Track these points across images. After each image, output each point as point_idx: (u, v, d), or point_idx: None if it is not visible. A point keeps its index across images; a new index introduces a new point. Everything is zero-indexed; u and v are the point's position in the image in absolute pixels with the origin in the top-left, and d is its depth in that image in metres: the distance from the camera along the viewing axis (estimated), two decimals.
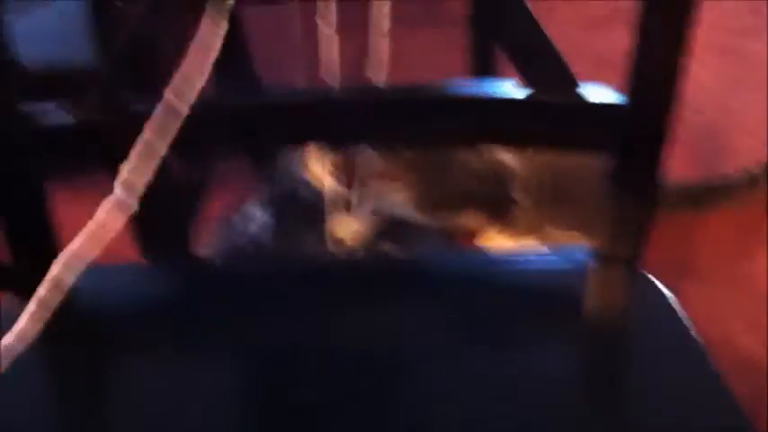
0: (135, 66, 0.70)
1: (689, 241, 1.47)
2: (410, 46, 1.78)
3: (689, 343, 0.69)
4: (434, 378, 0.67)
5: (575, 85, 0.68)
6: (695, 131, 1.64)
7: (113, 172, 0.78)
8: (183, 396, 0.67)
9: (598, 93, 0.68)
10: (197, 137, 0.74)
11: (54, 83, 0.95)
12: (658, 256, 1.42)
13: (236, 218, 1.47)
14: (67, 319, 0.75)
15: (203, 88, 0.63)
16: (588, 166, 1.35)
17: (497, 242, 1.44)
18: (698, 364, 0.68)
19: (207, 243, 1.45)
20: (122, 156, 0.74)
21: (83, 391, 0.70)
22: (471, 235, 1.48)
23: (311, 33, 0.92)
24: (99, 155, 0.73)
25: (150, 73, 0.73)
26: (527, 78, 0.69)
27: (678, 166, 1.56)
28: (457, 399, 0.66)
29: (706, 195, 1.48)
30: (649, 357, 0.69)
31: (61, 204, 0.75)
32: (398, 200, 1.42)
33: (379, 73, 0.87)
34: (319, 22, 0.91)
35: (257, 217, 1.46)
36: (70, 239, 0.75)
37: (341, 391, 0.66)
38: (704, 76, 1.75)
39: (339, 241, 1.35)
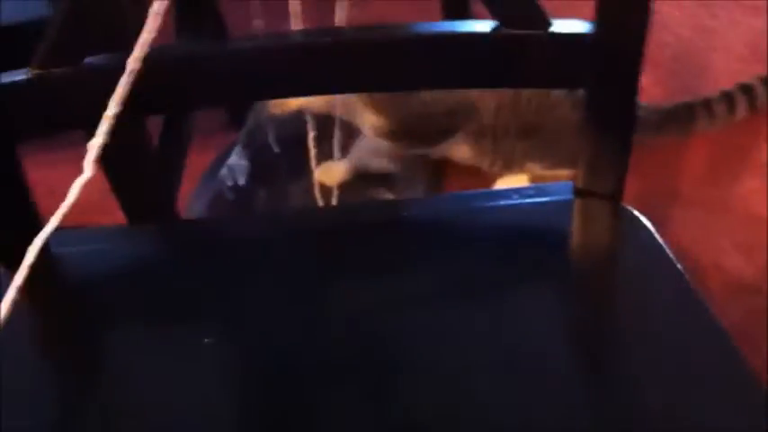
0: (88, 18, 0.68)
1: (673, 167, 1.46)
2: None
3: (672, 273, 0.68)
4: (428, 323, 0.67)
5: (543, 18, 0.66)
6: (673, 53, 1.62)
7: (75, 128, 0.77)
8: (174, 359, 0.66)
9: (566, 24, 0.66)
10: (165, 89, 0.73)
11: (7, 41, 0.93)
12: (643, 184, 1.42)
13: (221, 171, 1.46)
14: (54, 282, 0.74)
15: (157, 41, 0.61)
16: (564, 99, 1.34)
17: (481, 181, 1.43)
18: (682, 294, 0.67)
19: (194, 198, 1.44)
20: (82, 112, 0.73)
21: (71, 357, 0.69)
22: (454, 173, 1.47)
23: None
24: (58, 112, 0.71)
25: (104, 24, 0.71)
26: (495, 14, 0.67)
27: (657, 90, 1.55)
28: (444, 344, 0.65)
29: (686, 119, 1.46)
30: (634, 289, 0.69)
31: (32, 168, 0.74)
32: (373, 132, 1.40)
33: (344, 15, 0.85)
34: None
35: (241, 169, 1.45)
36: (47, 203, 0.74)
37: (334, 343, 0.66)
38: None
39: (325, 189, 1.33)
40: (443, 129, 1.40)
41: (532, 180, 1.43)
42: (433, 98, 1.36)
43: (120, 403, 0.63)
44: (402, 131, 1.39)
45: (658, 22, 1.69)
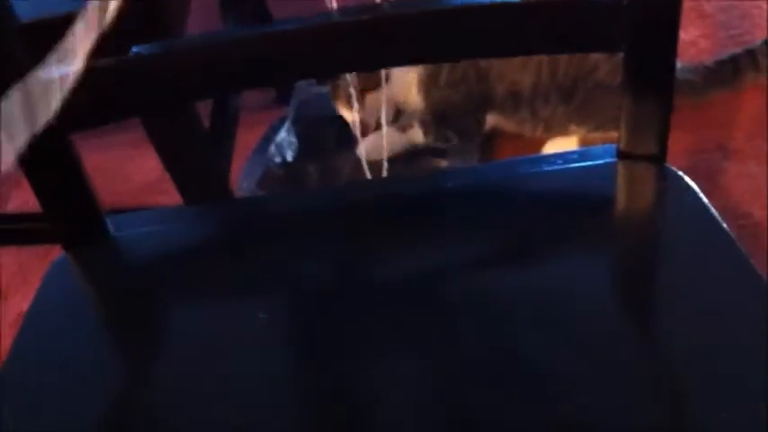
0: (131, 8, 0.70)
1: (723, 122, 1.45)
2: None
3: (716, 233, 0.68)
4: (478, 287, 0.68)
5: None
6: (718, 4, 1.60)
7: (125, 116, 0.79)
8: (231, 334, 0.68)
9: None
10: (212, 74, 0.75)
11: (52, 33, 0.95)
12: (693, 140, 1.41)
13: (270, 147, 1.48)
14: (115, 264, 0.77)
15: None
16: (602, 62, 1.34)
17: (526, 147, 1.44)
18: (726, 254, 0.67)
19: (245, 176, 1.47)
20: (131, 100, 0.75)
21: (132, 334, 0.71)
22: (505, 140, 1.48)
23: None
24: (107, 101, 0.73)
25: (150, 10, 0.73)
26: None
27: (706, 42, 1.53)
28: (494, 306, 0.66)
29: (732, 74, 1.44)
30: (677, 251, 0.69)
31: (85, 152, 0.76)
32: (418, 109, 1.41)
33: None
34: None
35: (290, 145, 1.47)
36: (101, 184, 0.77)
37: (389, 312, 0.67)
38: None
39: (374, 163, 1.35)
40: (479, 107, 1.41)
41: (582, 142, 1.43)
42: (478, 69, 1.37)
43: (180, 377, 0.65)
44: (436, 112, 1.40)
45: None
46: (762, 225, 1.28)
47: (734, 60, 1.44)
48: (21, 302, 1.40)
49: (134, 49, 0.70)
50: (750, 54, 1.44)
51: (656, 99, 0.70)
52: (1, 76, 0.68)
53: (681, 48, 1.56)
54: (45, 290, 0.74)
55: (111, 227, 0.77)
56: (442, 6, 0.72)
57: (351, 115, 1.38)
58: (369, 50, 0.74)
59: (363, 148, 1.38)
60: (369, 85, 1.35)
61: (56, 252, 0.76)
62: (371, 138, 1.40)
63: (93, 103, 0.72)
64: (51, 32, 0.94)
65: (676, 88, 0.70)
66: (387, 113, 1.36)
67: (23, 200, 1.54)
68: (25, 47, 0.68)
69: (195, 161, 1.13)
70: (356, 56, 0.75)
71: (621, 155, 0.74)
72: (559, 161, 0.78)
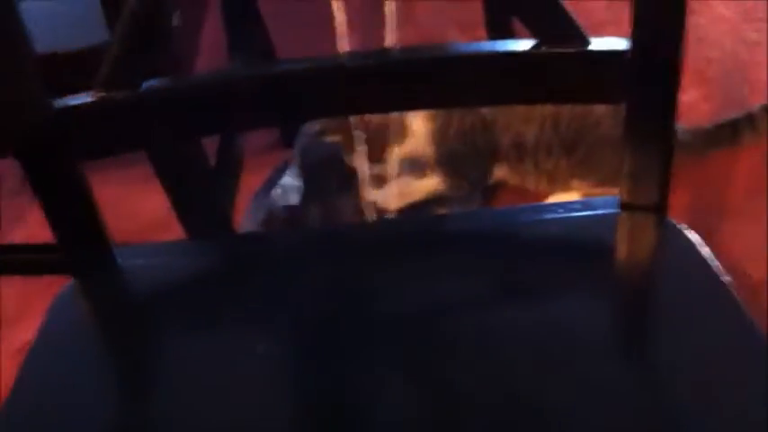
0: (145, 41, 0.71)
1: (722, 180, 1.46)
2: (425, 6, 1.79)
3: (716, 286, 0.69)
4: (476, 330, 0.69)
5: (581, 35, 0.68)
6: (719, 68, 1.62)
7: (135, 149, 0.81)
8: (230, 367, 0.68)
9: (603, 41, 0.68)
10: (219, 111, 0.76)
11: (67, 66, 0.98)
12: (693, 197, 1.42)
13: (274, 190, 1.49)
14: (119, 293, 0.78)
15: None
16: (606, 116, 1.36)
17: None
18: (725, 307, 0.68)
19: (247, 217, 1.48)
20: (142, 133, 0.76)
21: (133, 363, 0.72)
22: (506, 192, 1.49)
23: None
24: (119, 133, 0.74)
25: (160, 47, 0.74)
26: (533, 32, 0.69)
27: (706, 105, 1.55)
28: (492, 349, 0.67)
29: (730, 138, 1.46)
30: (676, 302, 0.70)
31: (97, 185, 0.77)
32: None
33: (390, 35, 0.88)
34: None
35: (293, 188, 1.48)
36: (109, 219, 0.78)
37: (386, 350, 0.68)
38: (720, 9, 1.72)
39: (380, 209, 1.36)
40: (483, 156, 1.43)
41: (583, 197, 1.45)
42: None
43: (182, 409, 0.66)
44: (447, 162, 1.43)
45: (703, 39, 1.70)
46: (761, 285, 1.29)
47: (733, 124, 1.46)
48: (24, 333, 1.40)
49: (145, 84, 0.71)
50: (749, 118, 1.46)
51: (658, 150, 0.71)
52: (17, 106, 0.71)
53: (681, 109, 1.58)
54: (51, 319, 0.75)
55: (118, 257, 0.78)
56: (446, 53, 0.74)
57: (367, 168, 1.39)
58: (373, 94, 0.75)
59: (382, 197, 1.40)
60: (395, 140, 1.38)
61: (59, 283, 0.77)
62: (392, 187, 1.43)
63: (104, 134, 0.74)
64: (67, 65, 0.96)
65: (675, 149, 0.72)
66: (406, 165, 1.39)
67: (27, 234, 1.55)
68: (41, 78, 0.70)
69: (200, 197, 1.14)
70: (360, 98, 0.76)
71: (623, 206, 0.75)
72: (561, 210, 0.79)
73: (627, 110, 0.69)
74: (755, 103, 1.49)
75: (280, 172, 1.53)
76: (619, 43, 0.68)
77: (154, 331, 0.74)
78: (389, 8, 0.95)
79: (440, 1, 1.82)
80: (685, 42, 0.65)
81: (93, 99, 0.70)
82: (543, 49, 0.69)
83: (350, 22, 0.95)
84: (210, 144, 1.29)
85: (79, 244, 0.77)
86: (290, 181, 1.49)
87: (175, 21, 0.92)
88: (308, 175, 1.49)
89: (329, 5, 0.93)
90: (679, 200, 1.40)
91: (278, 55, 1.58)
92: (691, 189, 1.44)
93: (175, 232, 1.17)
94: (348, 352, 0.67)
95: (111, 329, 0.76)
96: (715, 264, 0.70)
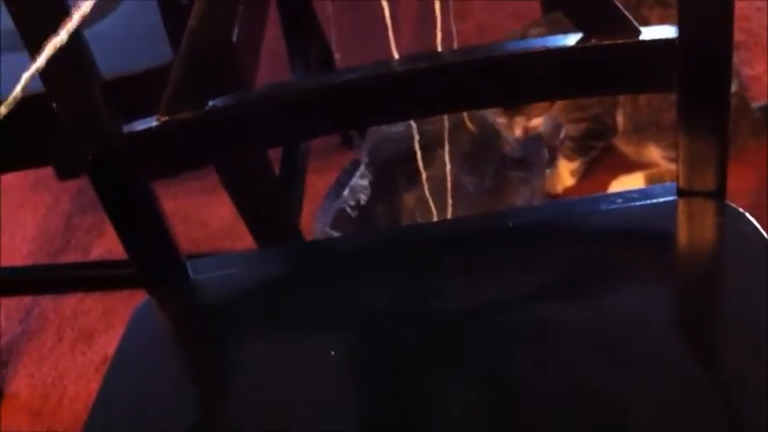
0: (207, 60, 0.74)
1: None
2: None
3: None
4: (544, 329, 0.69)
5: (630, 26, 0.69)
6: None
7: (203, 166, 0.84)
8: (304, 372, 0.71)
9: (653, 30, 0.68)
10: (284, 122, 0.79)
11: (137, 86, 1.01)
12: (759, 178, 1.40)
13: (343, 192, 1.52)
14: (193, 307, 0.81)
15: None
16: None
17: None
18: None
19: (318, 219, 1.51)
20: (209, 151, 0.79)
21: (210, 375, 0.74)
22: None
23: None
24: (185, 152, 0.77)
25: (222, 65, 0.77)
26: (581, 25, 0.70)
27: None
28: (561, 344, 0.68)
29: None
30: (739, 289, 0.70)
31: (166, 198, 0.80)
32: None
33: (441, 31, 0.89)
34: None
35: (363, 188, 1.51)
36: (181, 229, 0.81)
37: (457, 351, 0.69)
38: None
39: (438, 199, 1.38)
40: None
41: (648, 181, 1.44)
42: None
43: (256, 419, 0.68)
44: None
45: (766, 8, 1.67)
46: None
47: None
48: (105, 346, 1.46)
49: (210, 103, 0.74)
50: None
51: (713, 136, 0.71)
52: (87, 132, 0.74)
53: (746, 84, 1.55)
54: (130, 332, 0.78)
55: (190, 270, 0.81)
56: (498, 53, 0.75)
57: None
58: (429, 97, 0.77)
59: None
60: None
61: (138, 297, 0.80)
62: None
63: (171, 154, 0.77)
64: (132, 87, 1.00)
65: (738, 127, 0.71)
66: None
67: (106, 248, 1.61)
68: (110, 102, 0.73)
69: (267, 206, 1.17)
70: (416, 102, 0.78)
71: (681, 192, 0.75)
72: (620, 200, 0.79)
73: (678, 97, 0.70)
74: None
75: (348, 173, 1.56)
76: (667, 31, 0.68)
77: (228, 342, 0.76)
78: (439, 5, 0.96)
79: None
80: (743, 11, 0.65)
81: (160, 122, 0.73)
82: (593, 42, 0.69)
83: (407, 18, 0.96)
84: (274, 151, 1.32)
85: (152, 259, 0.80)
86: (359, 181, 1.52)
87: (235, 37, 0.94)
88: (376, 173, 1.52)
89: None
90: (743, 181, 1.39)
91: (338, 57, 1.61)
92: (755, 170, 1.42)
93: (245, 240, 1.20)
94: (417, 353, 0.69)
95: (188, 341, 0.79)
96: None
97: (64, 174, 1.13)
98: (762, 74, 1.55)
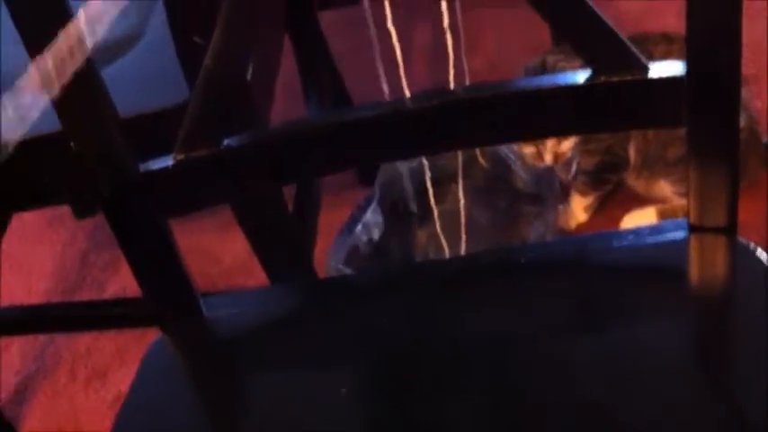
0: (222, 99, 0.74)
1: None
2: (487, 26, 1.81)
3: None
4: (556, 361, 0.70)
5: (638, 63, 0.69)
6: None
7: (219, 203, 0.84)
8: (322, 412, 0.71)
9: (661, 67, 0.69)
10: (293, 162, 0.80)
11: (154, 124, 1.02)
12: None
13: (356, 228, 1.53)
14: (207, 343, 0.81)
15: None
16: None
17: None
18: None
19: (331, 255, 1.51)
20: (224, 188, 0.80)
21: (227, 415, 0.74)
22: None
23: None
24: (201, 189, 0.78)
25: (237, 103, 0.78)
26: (590, 62, 0.71)
27: None
28: (576, 379, 0.68)
29: None
30: (749, 323, 0.70)
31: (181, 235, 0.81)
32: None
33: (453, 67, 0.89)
34: (392, 29, 0.94)
35: (376, 224, 1.51)
36: (197, 266, 0.82)
37: (469, 387, 0.69)
38: None
39: (451, 236, 1.38)
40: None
41: (660, 216, 1.44)
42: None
43: None
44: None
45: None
46: None
47: None
48: (119, 384, 1.46)
49: (225, 141, 0.75)
50: None
51: (723, 171, 0.71)
52: (103, 170, 0.75)
53: (757, 117, 1.54)
54: (144, 370, 0.78)
55: (204, 308, 0.81)
56: (507, 90, 0.75)
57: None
58: (440, 134, 0.77)
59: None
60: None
61: (151, 335, 0.81)
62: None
63: (187, 192, 0.77)
64: (149, 126, 1.01)
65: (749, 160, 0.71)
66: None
67: (121, 285, 1.61)
68: (127, 141, 0.74)
69: (281, 242, 1.17)
70: (427, 139, 0.79)
71: (692, 228, 0.75)
72: (631, 236, 0.80)
73: (688, 133, 0.70)
74: None
75: (362, 209, 1.56)
76: (676, 68, 0.69)
77: (241, 379, 0.77)
78: (450, 42, 0.97)
79: (507, 28, 1.83)
80: (756, 45, 0.65)
81: (176, 161, 0.74)
82: (603, 78, 0.70)
83: (419, 54, 0.97)
84: (288, 186, 1.33)
85: (166, 296, 0.80)
86: (372, 217, 1.52)
87: (249, 75, 0.96)
88: (389, 210, 1.52)
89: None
90: (757, 215, 1.38)
91: (352, 92, 1.62)
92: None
93: (258, 276, 1.21)
94: (430, 391, 0.69)
95: (201, 379, 0.80)
96: None
97: (80, 212, 1.14)
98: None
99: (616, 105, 0.71)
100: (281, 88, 1.25)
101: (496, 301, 0.76)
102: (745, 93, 0.71)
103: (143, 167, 0.75)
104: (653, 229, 0.79)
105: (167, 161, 0.74)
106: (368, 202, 1.55)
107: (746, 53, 0.67)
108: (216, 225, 1.61)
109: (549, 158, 1.44)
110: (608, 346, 0.70)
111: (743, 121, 1.26)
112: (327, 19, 1.62)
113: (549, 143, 1.42)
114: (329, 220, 1.51)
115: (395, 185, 1.53)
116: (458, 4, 0.96)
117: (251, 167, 0.78)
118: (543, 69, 1.40)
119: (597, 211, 1.51)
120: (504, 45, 1.81)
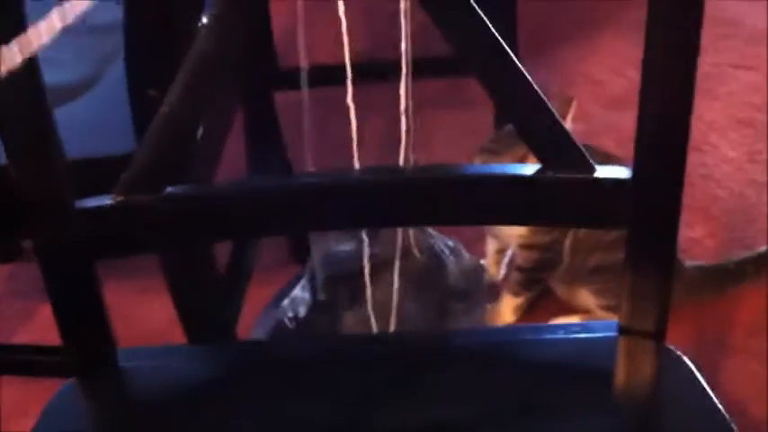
0: (169, 150, 0.74)
1: (728, 318, 1.47)
2: (437, 127, 1.84)
3: (715, 417, 0.69)
4: None
5: (586, 163, 0.71)
6: (725, 206, 1.65)
7: (152, 251, 0.83)
8: None
9: (607, 169, 0.71)
10: (231, 220, 0.79)
11: (92, 171, 1.01)
12: (697, 333, 1.42)
13: (283, 303, 1.51)
14: (118, 393, 0.79)
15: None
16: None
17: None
18: None
19: (256, 328, 1.49)
20: (160, 236, 0.79)
21: None
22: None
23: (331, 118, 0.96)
24: (136, 235, 0.77)
25: (184, 157, 0.77)
26: (541, 158, 0.72)
27: (711, 242, 1.57)
28: None
29: (735, 273, 1.48)
30: (672, 426, 0.70)
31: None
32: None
33: (405, 153, 0.91)
34: (351, 105, 0.95)
35: (303, 301, 1.49)
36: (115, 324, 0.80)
37: None
38: (726, 149, 1.77)
39: (382, 318, 1.37)
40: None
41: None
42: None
43: None
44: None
45: (709, 177, 1.74)
46: (762, 425, 1.28)
47: (739, 264, 1.47)
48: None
49: (168, 189, 0.74)
50: (756, 260, 1.48)
51: (658, 277, 0.72)
52: (42, 206, 0.73)
53: (686, 245, 1.59)
54: (47, 418, 0.75)
55: (120, 359, 0.79)
56: (456, 174, 0.77)
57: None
58: (384, 209, 0.78)
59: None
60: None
61: (57, 386, 0.78)
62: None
63: (122, 235, 0.76)
64: (92, 170, 0.99)
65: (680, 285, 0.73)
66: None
67: (31, 337, 1.56)
68: (71, 183, 0.73)
69: (205, 304, 1.15)
70: (372, 213, 0.79)
71: (622, 330, 0.76)
72: (561, 331, 0.80)
73: (629, 235, 0.71)
74: (760, 244, 1.51)
75: (291, 285, 1.55)
76: (622, 172, 0.71)
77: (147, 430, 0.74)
78: (405, 130, 0.99)
79: (455, 131, 1.87)
80: (689, 177, 0.68)
81: (114, 202, 0.73)
82: (550, 173, 0.71)
83: (371, 140, 0.98)
84: (220, 254, 1.31)
85: (84, 343, 0.78)
86: (301, 294, 1.51)
87: (201, 130, 0.96)
88: (318, 289, 1.51)
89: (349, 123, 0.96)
90: (681, 335, 1.41)
91: (295, 166, 1.62)
92: (693, 325, 1.44)
93: (176, 340, 1.18)
94: None
95: (107, 429, 0.77)
96: (713, 394, 0.71)
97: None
98: (702, 237, 1.60)
99: (561, 201, 0.72)
100: (226, 164, 1.25)
101: (419, 386, 0.75)
102: None
103: (78, 204, 0.73)
104: (583, 327, 0.79)
105: (105, 200, 0.73)
106: (298, 279, 1.54)
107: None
108: (139, 287, 1.58)
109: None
110: None
111: None
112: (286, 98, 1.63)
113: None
114: (258, 296, 1.49)
115: (327, 265, 1.53)
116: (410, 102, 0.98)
117: (188, 219, 0.77)
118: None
119: (525, 313, 1.51)
120: (451, 146, 1.84)
